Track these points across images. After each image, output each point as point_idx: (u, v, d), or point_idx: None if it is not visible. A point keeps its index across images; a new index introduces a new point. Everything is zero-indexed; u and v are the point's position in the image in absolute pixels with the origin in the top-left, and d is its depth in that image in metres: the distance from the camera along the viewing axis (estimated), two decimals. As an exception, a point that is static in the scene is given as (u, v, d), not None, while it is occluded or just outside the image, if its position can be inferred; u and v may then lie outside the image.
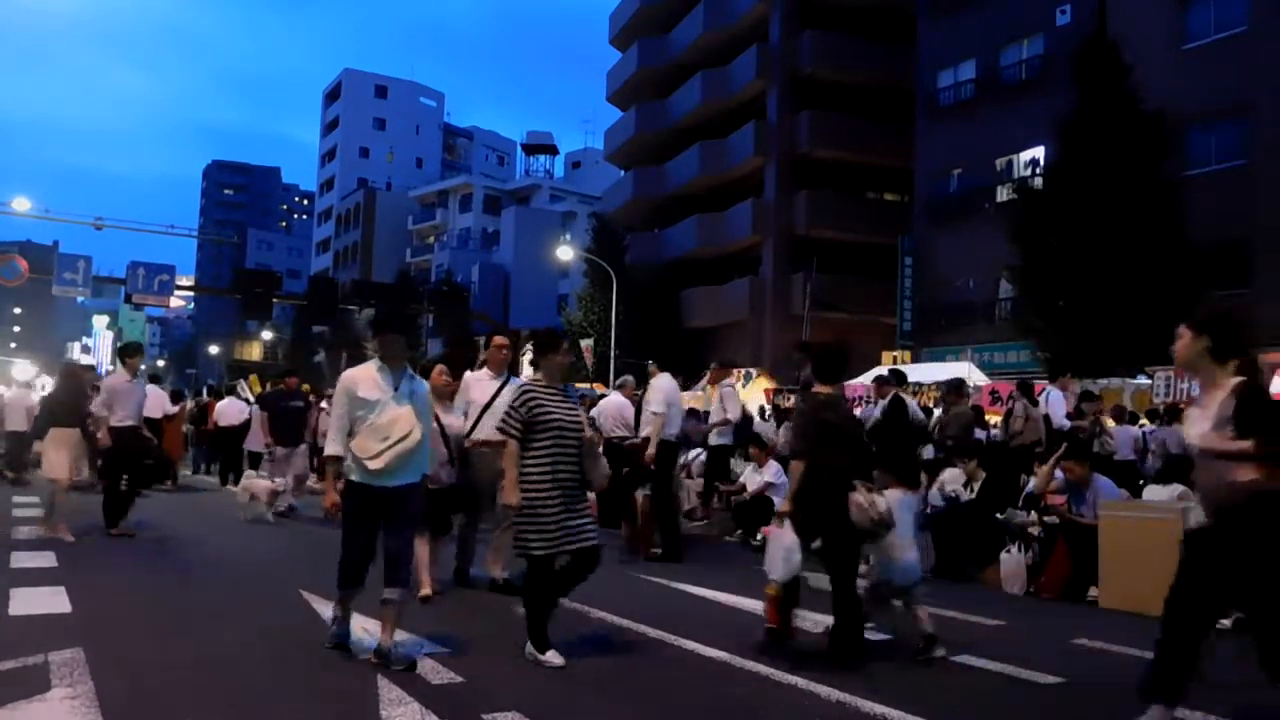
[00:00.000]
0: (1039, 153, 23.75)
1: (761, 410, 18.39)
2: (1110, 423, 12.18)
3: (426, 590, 6.37)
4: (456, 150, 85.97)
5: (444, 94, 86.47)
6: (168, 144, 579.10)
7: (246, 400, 17.64)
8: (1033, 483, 8.53)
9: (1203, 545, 3.87)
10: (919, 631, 5.32)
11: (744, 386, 21.23)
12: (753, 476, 10.84)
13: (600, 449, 6.66)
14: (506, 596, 6.62)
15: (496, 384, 6.97)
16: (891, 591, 5.41)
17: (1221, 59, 20.62)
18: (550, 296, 53.03)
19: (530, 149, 74.08)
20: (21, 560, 7.51)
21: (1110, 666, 5.28)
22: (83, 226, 30.65)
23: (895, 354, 25.23)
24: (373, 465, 4.75)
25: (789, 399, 17.69)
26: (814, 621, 5.68)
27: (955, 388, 11.72)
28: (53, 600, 6.02)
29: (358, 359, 5.92)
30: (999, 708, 4.58)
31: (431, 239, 67.83)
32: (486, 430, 6.78)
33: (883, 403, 10.82)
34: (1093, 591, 7.36)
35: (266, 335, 66.68)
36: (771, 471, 10.49)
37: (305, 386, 15.16)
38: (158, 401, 14.69)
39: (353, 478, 4.84)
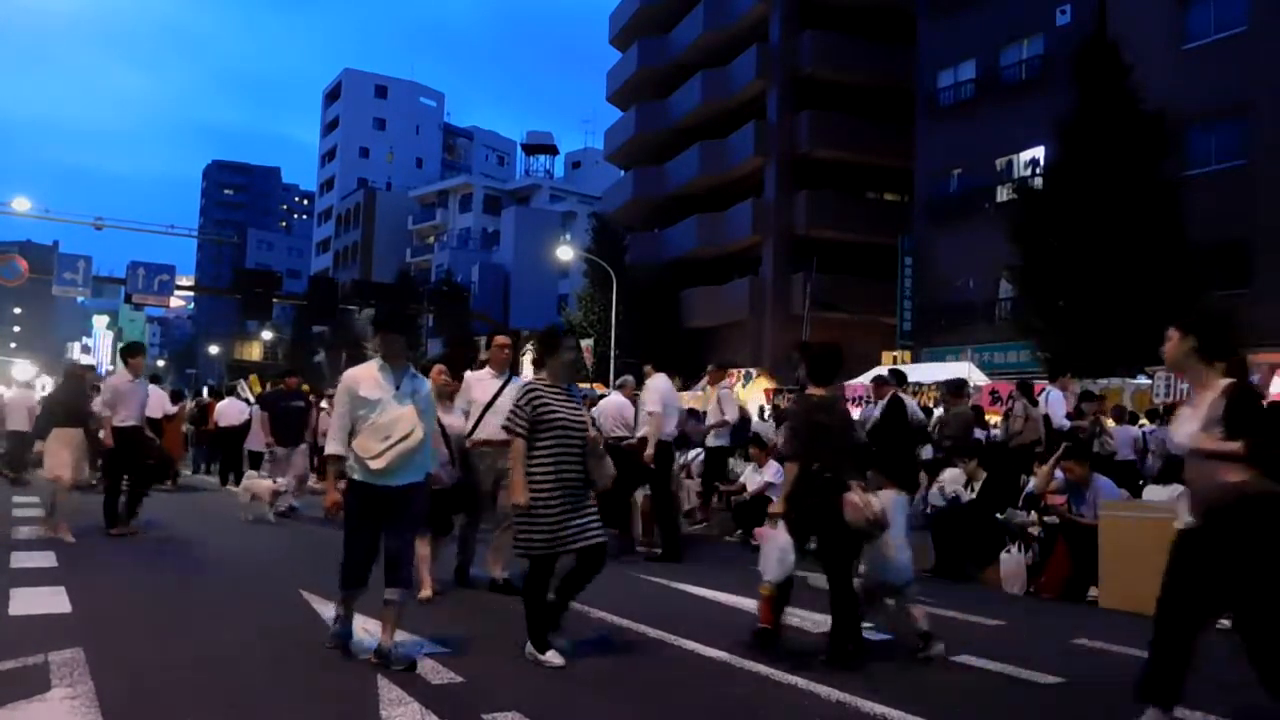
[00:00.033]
0: (1039, 153, 23.75)
1: (761, 410, 18.40)
2: (1110, 423, 12.19)
3: (427, 591, 6.37)
4: (456, 150, 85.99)
5: (444, 94, 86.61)
6: (168, 144, 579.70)
7: (246, 400, 17.64)
8: (1032, 483, 8.53)
9: (1192, 547, 3.86)
10: (915, 630, 5.34)
11: (744, 386, 21.24)
12: (753, 476, 10.84)
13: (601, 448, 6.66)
14: (506, 596, 6.63)
15: (498, 383, 6.97)
16: (885, 591, 5.42)
17: (1221, 59, 20.62)
18: (550, 296, 53.04)
19: (530, 149, 74.11)
20: (21, 560, 7.51)
21: (1110, 666, 5.27)
22: (83, 226, 30.67)
23: (895, 354, 25.23)
24: (374, 465, 4.74)
25: (789, 399, 17.69)
26: (814, 622, 5.69)
27: (954, 388, 11.72)
28: (53, 600, 6.02)
29: (358, 359, 5.91)
30: (999, 708, 4.58)
31: (431, 239, 67.84)
32: (489, 430, 6.78)
33: (882, 403, 10.86)
34: (1093, 591, 7.36)
35: (266, 335, 66.70)
36: (771, 471, 10.49)
37: (305, 387, 15.16)
38: (158, 401, 14.69)
39: (355, 477, 4.83)
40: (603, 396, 13.72)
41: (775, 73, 32.57)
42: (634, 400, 10.41)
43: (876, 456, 5.97)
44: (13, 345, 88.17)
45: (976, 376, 16.96)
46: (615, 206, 40.69)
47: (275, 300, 34.00)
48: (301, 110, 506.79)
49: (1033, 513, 8.27)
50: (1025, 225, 19.37)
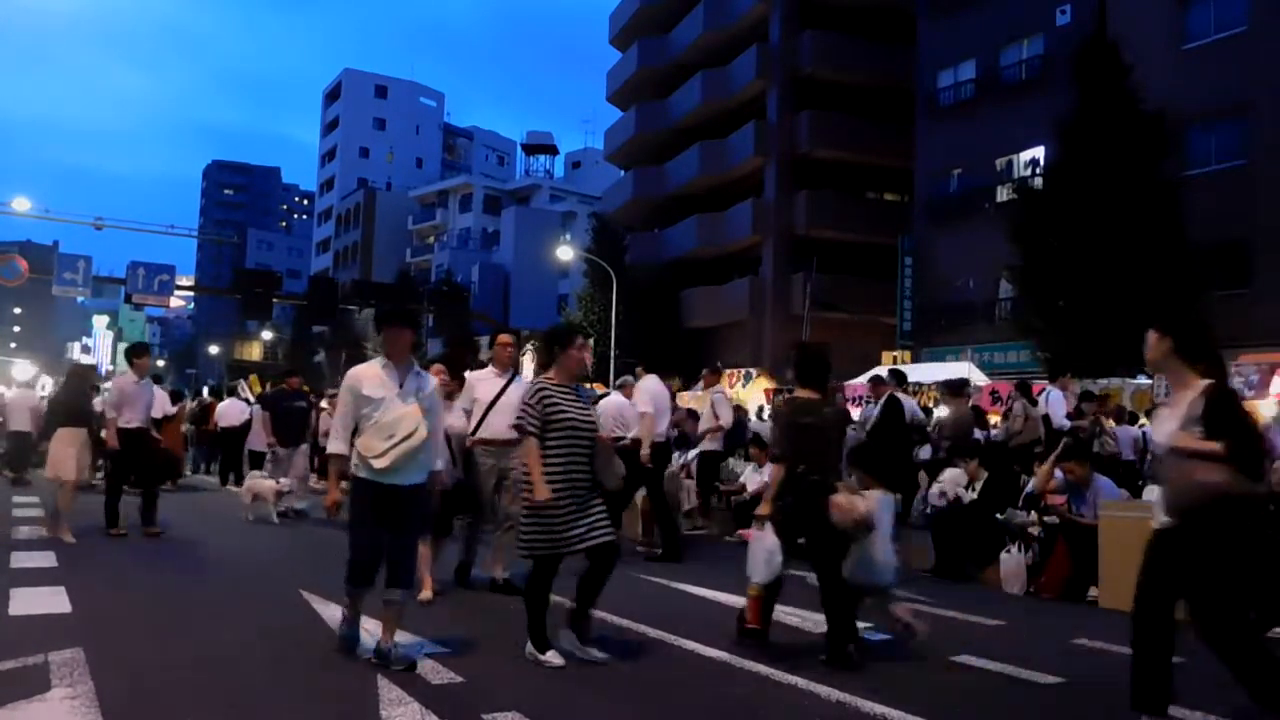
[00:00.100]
0: (1039, 153, 23.75)
1: (760, 410, 18.40)
2: (1110, 423, 12.18)
3: (427, 592, 6.37)
4: (456, 150, 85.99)
5: (444, 94, 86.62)
6: (168, 144, 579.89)
7: (246, 400, 17.65)
8: (1032, 483, 8.53)
9: (1167, 546, 3.87)
10: (899, 627, 5.37)
11: (744, 386, 21.27)
12: (753, 476, 10.85)
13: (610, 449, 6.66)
14: (507, 597, 6.63)
15: (501, 382, 6.96)
16: (867, 591, 5.44)
17: (1221, 59, 20.62)
18: (550, 296, 53.03)
19: (530, 149, 74.10)
20: (21, 560, 7.52)
21: (1110, 666, 5.26)
22: (83, 226, 30.68)
23: (895, 354, 25.23)
24: (378, 464, 4.69)
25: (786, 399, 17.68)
26: (814, 621, 5.69)
27: (953, 387, 11.72)
28: (53, 600, 6.02)
29: (358, 359, 5.92)
30: (999, 708, 4.58)
31: (431, 239, 67.84)
32: (492, 429, 6.78)
33: (880, 402, 10.89)
34: (1093, 591, 7.36)
35: (266, 335, 66.69)
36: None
37: (304, 387, 15.16)
38: (159, 402, 14.69)
39: (361, 474, 4.79)
40: (603, 396, 13.73)
41: (775, 73, 32.56)
42: (634, 400, 10.44)
43: (866, 456, 6.00)
44: (13, 345, 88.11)
45: (976, 376, 16.96)
46: (615, 206, 40.68)
47: (275, 300, 34.02)
48: (301, 110, 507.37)
49: (1033, 513, 8.26)
50: (1025, 225, 19.36)
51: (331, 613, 5.77)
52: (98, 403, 11.57)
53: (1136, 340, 4.25)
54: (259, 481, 11.46)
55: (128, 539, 9.08)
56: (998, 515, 8.43)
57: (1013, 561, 7.97)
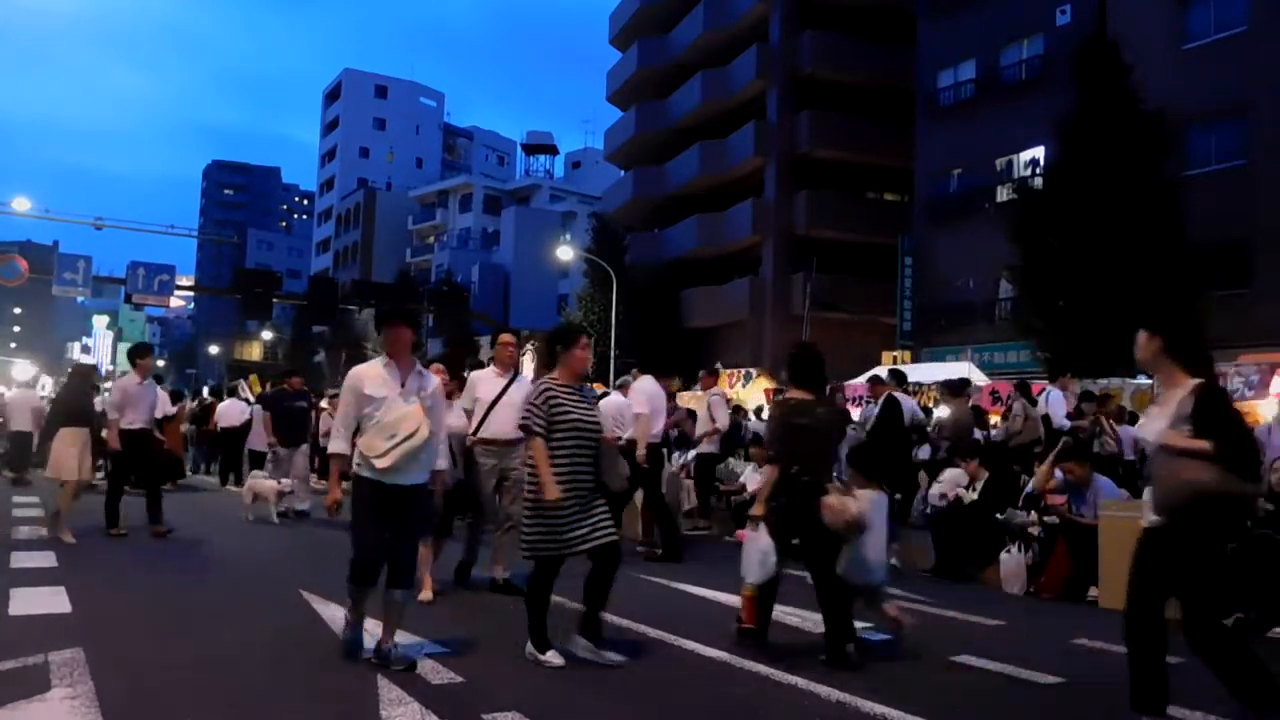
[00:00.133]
0: (1039, 153, 23.74)
1: (759, 410, 18.39)
2: (1110, 423, 12.18)
3: (428, 593, 6.36)
4: (456, 150, 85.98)
5: (444, 94, 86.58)
6: (168, 144, 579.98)
7: (246, 400, 17.66)
8: (1032, 482, 8.53)
9: (1156, 545, 3.88)
10: (891, 623, 5.39)
11: (744, 387, 21.25)
12: (753, 476, 10.84)
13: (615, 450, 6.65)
14: (507, 597, 6.63)
15: (503, 382, 6.94)
16: (860, 589, 5.45)
17: (1221, 59, 20.61)
18: (550, 296, 53.03)
19: (530, 149, 74.09)
20: (21, 560, 7.52)
21: (1110, 666, 5.26)
22: (83, 226, 30.69)
23: (895, 354, 25.22)
24: (380, 464, 4.67)
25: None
26: (814, 621, 5.68)
27: (953, 387, 11.72)
28: (53, 600, 6.02)
29: (358, 359, 5.92)
30: (999, 708, 4.58)
31: (431, 239, 67.83)
32: (493, 428, 6.78)
33: (878, 402, 10.89)
34: (1093, 591, 7.36)
35: (266, 335, 66.69)
36: (771, 471, 10.49)
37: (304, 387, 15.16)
38: (160, 402, 14.71)
39: (363, 474, 4.77)
40: (602, 396, 13.73)
41: (775, 73, 32.56)
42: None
43: (862, 456, 6.02)
44: (13, 345, 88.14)
45: (976, 376, 16.96)
46: (615, 206, 40.67)
47: (275, 300, 34.03)
48: (301, 110, 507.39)
49: (1033, 513, 8.27)
50: (1025, 225, 19.35)
51: (331, 613, 5.77)
52: (98, 402, 11.57)
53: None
54: (260, 481, 11.46)
55: (128, 539, 9.08)
56: (998, 515, 8.44)
57: (1013, 561, 7.97)
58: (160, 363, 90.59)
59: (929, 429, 11.63)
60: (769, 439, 5.60)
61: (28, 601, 5.94)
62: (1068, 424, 10.86)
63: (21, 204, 30.25)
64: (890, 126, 30.40)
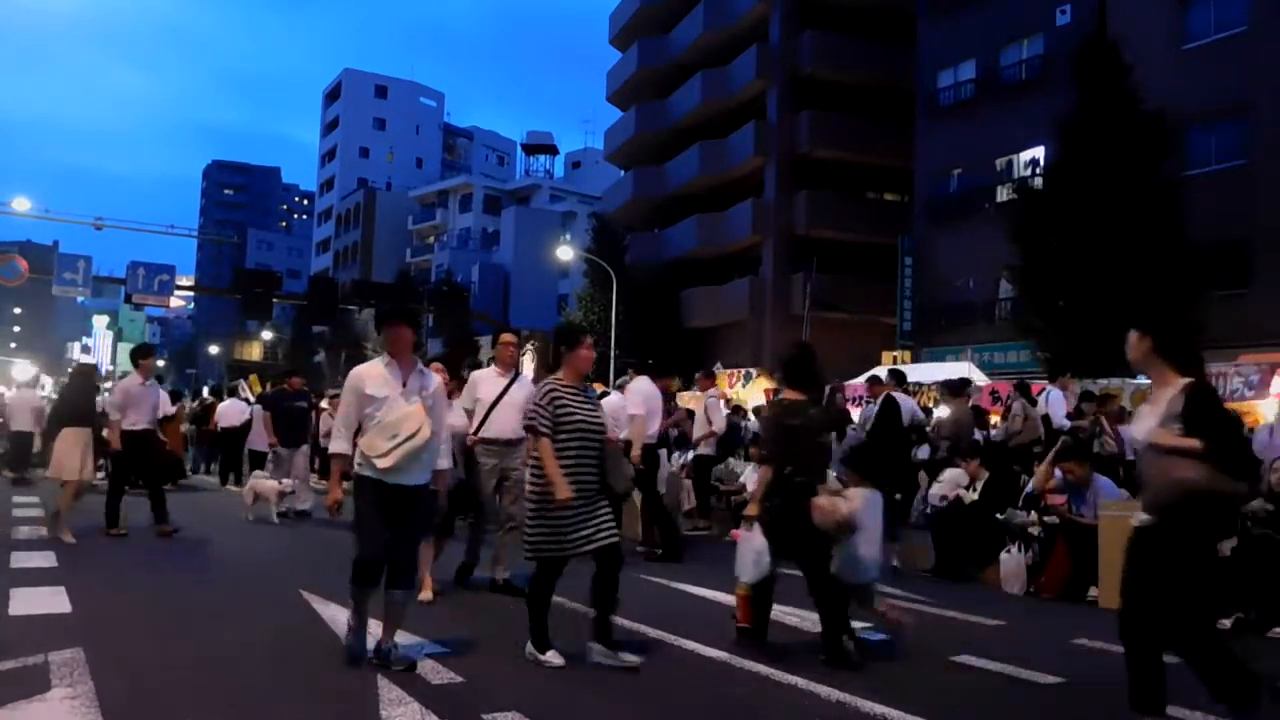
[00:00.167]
0: (1039, 153, 23.74)
1: (758, 410, 18.39)
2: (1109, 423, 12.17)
3: (428, 593, 6.36)
4: (456, 150, 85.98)
5: (444, 94, 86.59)
6: (168, 144, 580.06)
7: (246, 400, 17.66)
8: (1032, 482, 8.54)
9: (1147, 544, 3.89)
10: (887, 621, 5.42)
11: (744, 387, 21.25)
12: (753, 476, 10.82)
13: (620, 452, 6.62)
14: (507, 597, 6.64)
15: (504, 381, 6.93)
16: (854, 588, 5.47)
17: (1221, 59, 20.61)
18: (550, 296, 53.03)
19: (530, 149, 74.10)
20: (21, 560, 7.52)
21: (1110, 666, 5.26)
22: (83, 226, 30.67)
23: (895, 354, 25.20)
24: (382, 464, 4.66)
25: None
26: (813, 621, 5.68)
27: (953, 387, 11.72)
28: (53, 600, 6.02)
29: (358, 359, 5.91)
30: (999, 708, 4.58)
31: (431, 239, 67.84)
32: (494, 428, 6.78)
33: (877, 402, 10.89)
34: (1093, 591, 7.36)
35: (266, 335, 66.69)
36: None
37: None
38: (161, 402, 14.72)
39: (365, 473, 4.75)
40: (602, 396, 13.73)
41: (775, 73, 32.56)
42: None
43: (857, 456, 6.04)
44: (13, 345, 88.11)
45: (976, 376, 16.95)
46: (615, 206, 40.68)
47: (275, 300, 34.03)
48: (301, 110, 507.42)
49: (1033, 513, 8.27)
50: (1025, 225, 19.35)
51: (331, 613, 5.77)
52: (99, 402, 11.57)
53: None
54: (261, 482, 11.46)
55: (128, 539, 9.08)
56: (998, 515, 8.44)
57: (1013, 561, 7.98)
58: (160, 363, 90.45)
59: (928, 429, 11.63)
60: (762, 440, 5.62)
61: (28, 601, 5.94)
62: (1068, 424, 10.86)
63: (21, 204, 30.25)
64: (890, 126, 30.40)
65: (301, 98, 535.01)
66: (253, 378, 24.59)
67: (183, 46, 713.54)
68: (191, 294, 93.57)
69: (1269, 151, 19.67)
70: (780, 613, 5.73)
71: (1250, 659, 3.82)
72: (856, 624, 5.63)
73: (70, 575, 6.89)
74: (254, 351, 69.52)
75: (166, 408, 15.75)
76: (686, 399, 14.23)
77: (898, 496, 10.82)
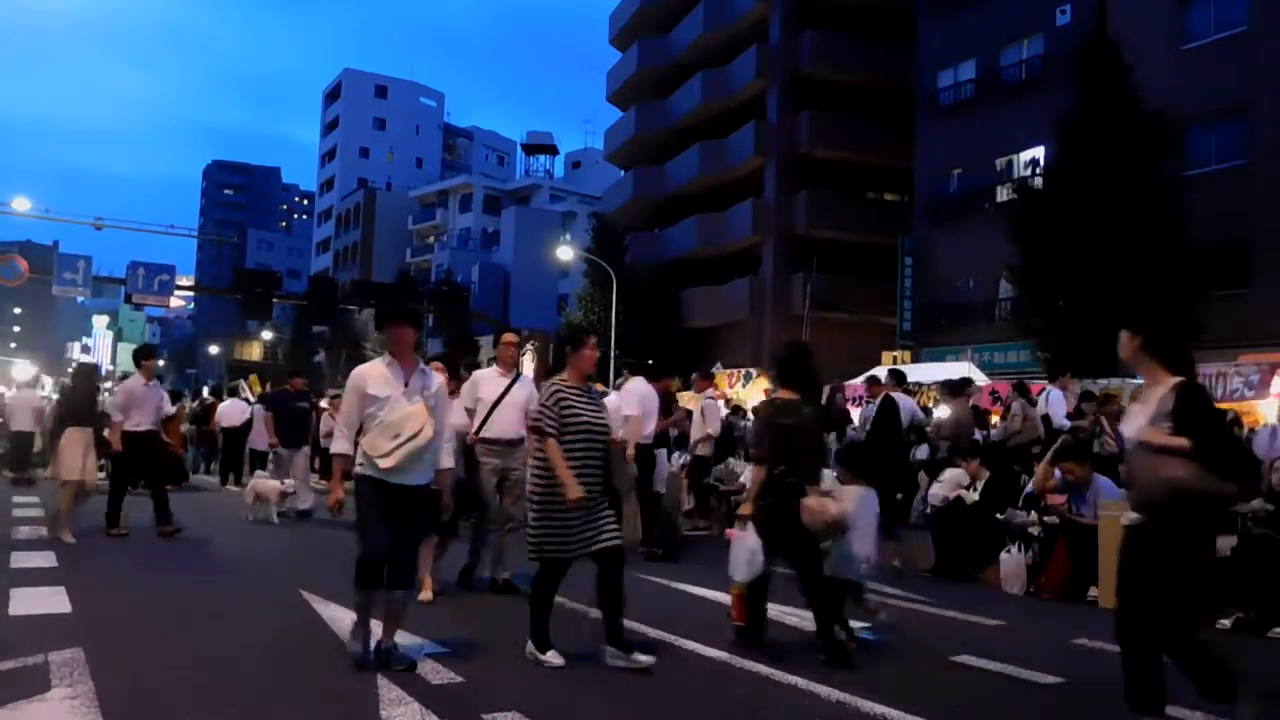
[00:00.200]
0: (1039, 153, 23.74)
1: (756, 410, 18.37)
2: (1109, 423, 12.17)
3: (428, 593, 6.35)
4: (456, 150, 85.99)
5: (444, 94, 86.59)
6: (168, 144, 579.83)
7: (247, 400, 17.66)
8: (1032, 482, 8.53)
9: (1137, 544, 3.90)
10: (875, 620, 5.45)
11: (744, 387, 21.25)
12: (752, 476, 10.84)
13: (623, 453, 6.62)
14: (507, 597, 6.64)
15: (506, 381, 6.92)
16: (846, 585, 5.50)
17: (1221, 59, 20.61)
18: (550, 296, 53.04)
19: (530, 149, 74.11)
20: (21, 560, 7.52)
21: (1110, 666, 5.25)
22: (83, 226, 30.67)
23: (895, 354, 25.20)
24: (384, 464, 4.64)
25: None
26: (812, 621, 5.68)
27: (953, 387, 11.72)
28: (53, 600, 6.02)
29: (358, 359, 5.89)
30: (999, 708, 4.58)
31: (431, 239, 67.84)
32: (496, 428, 6.77)
33: (876, 402, 10.90)
34: (1093, 591, 7.36)
35: (266, 335, 66.72)
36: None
37: (304, 388, 15.17)
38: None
39: (367, 473, 4.73)
40: (603, 395, 13.72)
41: (775, 73, 32.56)
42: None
43: (850, 454, 6.07)
44: (13, 345, 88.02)
45: (976, 376, 16.95)
46: (615, 206, 40.68)
47: (275, 300, 34.01)
48: (301, 110, 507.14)
49: (1033, 513, 8.27)
50: (1025, 225, 19.35)
51: (331, 613, 5.78)
52: (108, 405, 11.58)
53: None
54: (263, 482, 11.47)
55: (128, 539, 9.08)
56: (998, 515, 8.44)
57: (1013, 561, 7.98)
58: (160, 363, 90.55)
59: (928, 429, 11.63)
60: (754, 439, 5.64)
61: (28, 601, 5.94)
62: (1068, 424, 10.86)
63: (21, 204, 30.24)
64: (890, 126, 30.40)
65: (301, 98, 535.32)
66: (253, 378, 24.59)
67: (183, 46, 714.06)
68: (191, 294, 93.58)
69: (1269, 151, 19.66)
70: (780, 612, 5.73)
71: (1234, 658, 3.84)
72: (856, 624, 5.64)
73: (70, 575, 6.89)
74: (254, 351, 69.55)
75: (167, 408, 15.80)
76: (686, 399, 14.22)
77: (899, 496, 10.83)
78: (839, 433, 11.77)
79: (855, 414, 13.35)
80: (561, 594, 5.11)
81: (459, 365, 7.49)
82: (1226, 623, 6.53)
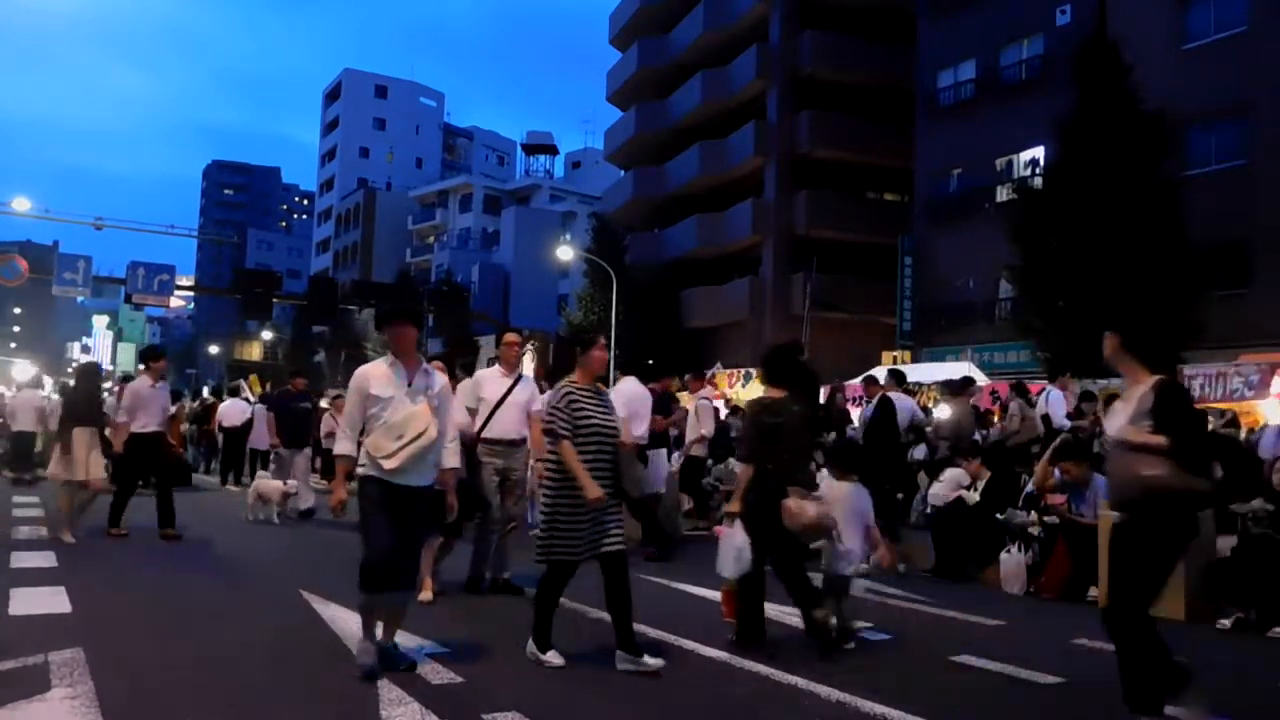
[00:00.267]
0: (1039, 153, 23.74)
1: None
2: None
3: (428, 593, 6.33)
4: (456, 150, 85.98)
5: (444, 94, 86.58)
6: (168, 144, 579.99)
7: (247, 400, 17.66)
8: (1031, 481, 8.53)
9: (1120, 542, 3.94)
10: (844, 623, 5.45)
11: (744, 386, 21.24)
12: (749, 476, 10.82)
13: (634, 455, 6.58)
14: (507, 597, 6.63)
15: (508, 382, 6.89)
16: (833, 583, 5.52)
17: (1221, 59, 20.61)
18: (550, 296, 53.04)
19: (530, 149, 74.10)
20: (21, 560, 7.52)
21: (1110, 666, 5.25)
22: (83, 226, 30.71)
23: (895, 354, 25.22)
24: (387, 464, 4.59)
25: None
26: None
27: (953, 387, 11.71)
28: (53, 600, 6.02)
29: (358, 359, 5.88)
30: (999, 708, 4.58)
31: (431, 239, 67.84)
32: (498, 429, 6.76)
33: (873, 402, 10.90)
34: (1093, 591, 7.35)
35: (266, 335, 66.71)
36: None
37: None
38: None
39: (371, 474, 4.69)
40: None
41: (775, 73, 32.56)
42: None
43: (839, 452, 6.09)
44: (13, 345, 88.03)
45: (977, 377, 16.95)
46: (615, 206, 40.68)
47: (275, 300, 34.01)
48: (301, 110, 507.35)
49: (1033, 513, 8.27)
50: (1025, 225, 19.35)
51: (331, 613, 5.78)
52: (112, 406, 11.58)
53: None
54: (265, 482, 11.48)
55: (128, 539, 9.08)
56: (998, 515, 8.44)
57: (1013, 561, 7.97)
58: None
59: (928, 429, 11.62)
60: (742, 438, 5.67)
61: (28, 601, 5.94)
62: (1068, 424, 10.86)
63: (21, 204, 30.26)
64: (890, 126, 30.40)
65: (301, 98, 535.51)
66: (253, 378, 24.61)
67: (183, 46, 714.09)
68: (191, 294, 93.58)
69: (1269, 151, 19.66)
70: (780, 612, 5.73)
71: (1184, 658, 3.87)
72: (857, 623, 5.64)
73: (70, 575, 6.89)
74: (254, 351, 69.53)
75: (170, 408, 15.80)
76: (687, 400, 14.21)
77: (899, 496, 10.83)
78: (839, 433, 11.76)
79: (855, 414, 13.35)
80: (564, 596, 5.11)
81: (455, 365, 7.47)
82: (1226, 623, 6.53)
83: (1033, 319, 19.35)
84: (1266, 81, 19.70)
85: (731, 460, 12.37)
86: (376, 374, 4.82)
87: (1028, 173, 24.49)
